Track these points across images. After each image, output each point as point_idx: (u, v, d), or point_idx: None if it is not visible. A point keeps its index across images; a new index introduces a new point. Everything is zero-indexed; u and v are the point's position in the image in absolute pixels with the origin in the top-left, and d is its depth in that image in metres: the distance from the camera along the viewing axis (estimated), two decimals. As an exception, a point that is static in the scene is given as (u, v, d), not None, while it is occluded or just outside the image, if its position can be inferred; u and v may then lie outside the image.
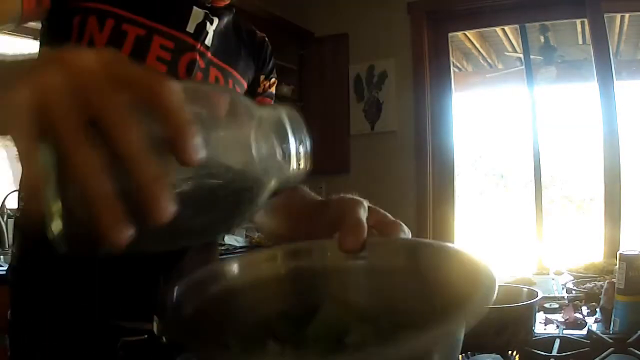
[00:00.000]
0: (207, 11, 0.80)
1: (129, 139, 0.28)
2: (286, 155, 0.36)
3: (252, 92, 0.94)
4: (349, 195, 0.59)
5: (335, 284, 0.50)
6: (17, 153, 0.28)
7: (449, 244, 0.46)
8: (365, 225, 0.50)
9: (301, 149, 0.37)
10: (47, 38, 0.73)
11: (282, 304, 0.48)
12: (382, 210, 0.57)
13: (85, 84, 0.29)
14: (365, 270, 0.49)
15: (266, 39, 0.98)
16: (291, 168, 0.37)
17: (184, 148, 0.29)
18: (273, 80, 0.98)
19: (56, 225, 0.30)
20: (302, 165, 0.38)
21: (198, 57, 0.78)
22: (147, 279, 0.72)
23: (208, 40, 0.80)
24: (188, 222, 0.33)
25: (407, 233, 0.55)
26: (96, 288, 0.70)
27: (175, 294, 0.41)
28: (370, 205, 0.57)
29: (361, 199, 0.57)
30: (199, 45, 0.78)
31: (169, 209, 0.29)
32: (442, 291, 0.42)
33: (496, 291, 0.35)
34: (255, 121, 0.36)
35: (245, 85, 0.90)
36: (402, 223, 0.56)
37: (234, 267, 0.49)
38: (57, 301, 0.71)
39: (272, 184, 0.37)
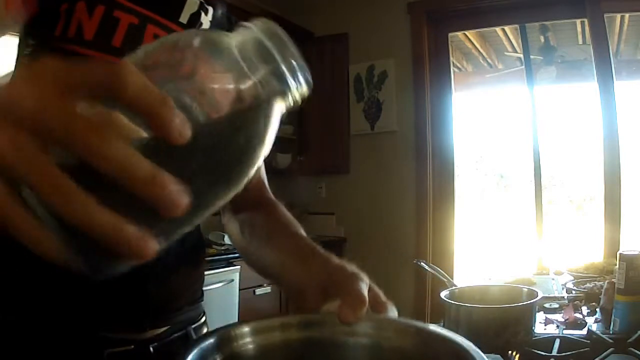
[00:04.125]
0: (202, 1, 0.76)
1: (105, 152, 0.25)
2: (280, 73, 0.33)
3: None
4: (352, 267, 0.58)
5: (343, 357, 0.53)
6: None
7: (454, 335, 0.49)
8: (367, 301, 0.51)
9: (294, 63, 0.34)
10: (29, 30, 0.67)
11: None
12: (376, 288, 0.57)
13: (32, 118, 0.26)
14: (372, 348, 0.52)
15: None
16: (290, 85, 0.34)
17: (168, 131, 0.27)
18: None
19: (76, 259, 0.28)
20: (302, 79, 0.34)
21: None
22: (136, 289, 0.69)
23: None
24: (207, 188, 0.31)
25: (394, 313, 0.57)
26: (83, 298, 0.67)
27: (190, 356, 0.43)
28: (370, 282, 0.57)
29: (362, 274, 0.57)
30: None
31: (182, 198, 0.27)
32: None
33: None
34: (235, 54, 0.32)
35: None
36: (391, 303, 0.57)
37: (247, 331, 0.51)
38: (42, 312, 0.67)
39: (277, 108, 0.34)
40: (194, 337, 0.78)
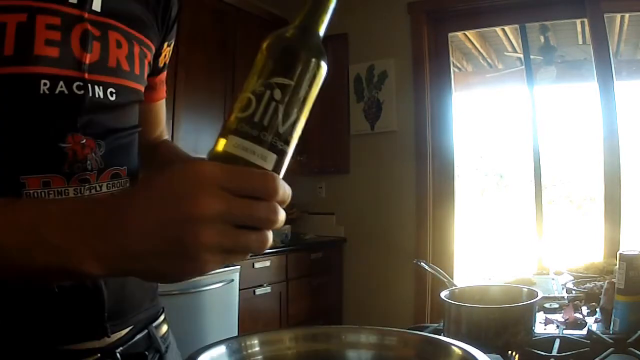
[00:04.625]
0: None
1: (276, 223, 0.45)
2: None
3: (155, 66, 0.84)
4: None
5: None
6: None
7: (455, 343, 0.49)
8: None
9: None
10: None
11: None
12: None
13: (228, 216, 0.43)
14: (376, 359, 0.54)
15: None
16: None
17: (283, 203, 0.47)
18: (172, 44, 0.88)
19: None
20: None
21: (90, 27, 0.67)
22: (91, 294, 0.67)
23: (96, 5, 0.68)
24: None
25: None
26: (40, 315, 0.64)
27: None
28: None
29: None
30: (86, 14, 0.67)
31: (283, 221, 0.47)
32: None
33: None
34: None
35: (153, 49, 0.80)
36: None
37: (255, 342, 0.54)
38: (1, 332, 0.63)
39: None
40: (157, 336, 0.78)
